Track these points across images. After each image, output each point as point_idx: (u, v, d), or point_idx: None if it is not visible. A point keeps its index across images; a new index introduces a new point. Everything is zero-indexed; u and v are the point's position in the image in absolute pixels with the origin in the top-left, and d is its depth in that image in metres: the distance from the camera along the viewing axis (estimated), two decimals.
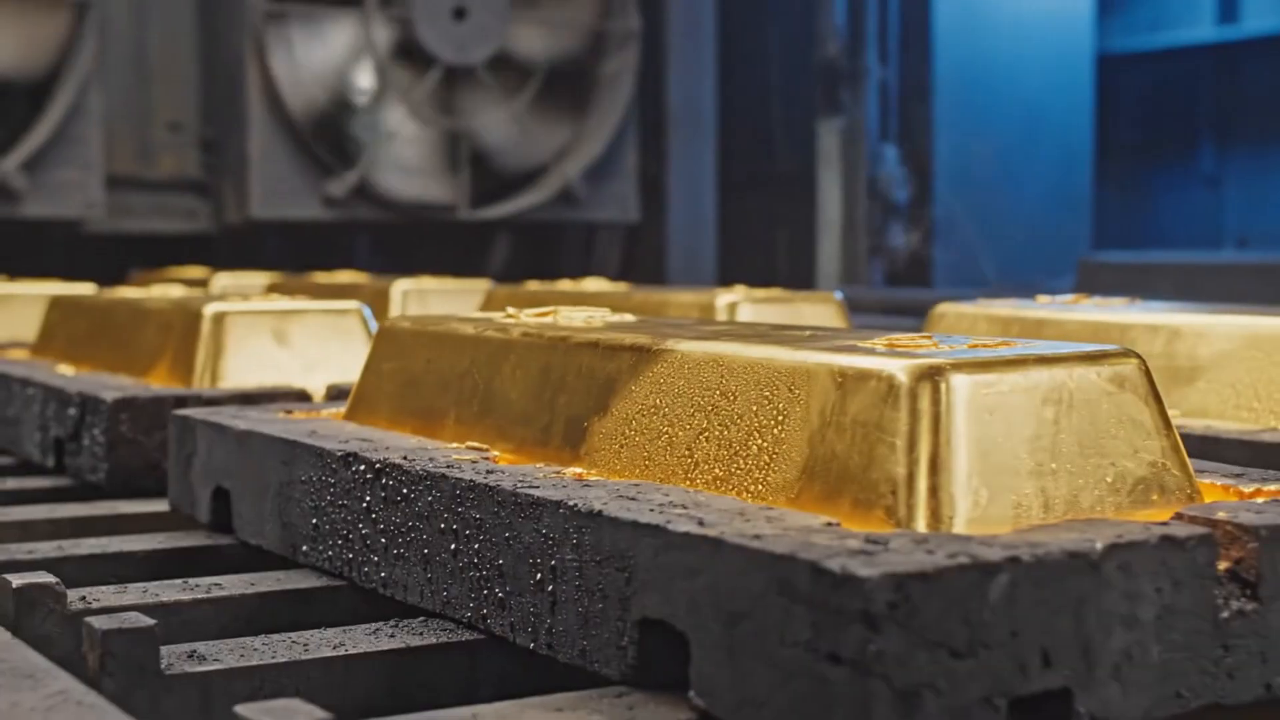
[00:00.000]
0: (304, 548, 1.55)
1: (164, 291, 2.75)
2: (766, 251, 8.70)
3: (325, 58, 6.70)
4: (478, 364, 1.60)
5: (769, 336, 1.36)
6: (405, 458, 1.43)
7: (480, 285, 3.51)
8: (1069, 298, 2.21)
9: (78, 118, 6.16)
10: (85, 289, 3.23)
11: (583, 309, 1.69)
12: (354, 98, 6.75)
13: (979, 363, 1.17)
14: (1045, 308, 2.14)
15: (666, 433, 1.33)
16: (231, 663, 1.23)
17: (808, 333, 1.41)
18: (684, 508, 1.15)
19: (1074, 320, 2.05)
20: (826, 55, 8.50)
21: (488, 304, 3.23)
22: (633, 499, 1.19)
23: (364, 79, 6.75)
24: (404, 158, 6.86)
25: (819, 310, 2.64)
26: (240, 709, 0.97)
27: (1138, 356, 1.25)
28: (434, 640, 1.30)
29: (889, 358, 1.18)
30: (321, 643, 1.29)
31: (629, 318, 1.68)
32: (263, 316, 2.27)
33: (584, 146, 7.25)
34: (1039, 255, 8.65)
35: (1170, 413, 1.87)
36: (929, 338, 1.28)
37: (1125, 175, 10.94)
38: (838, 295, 2.75)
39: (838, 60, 8.49)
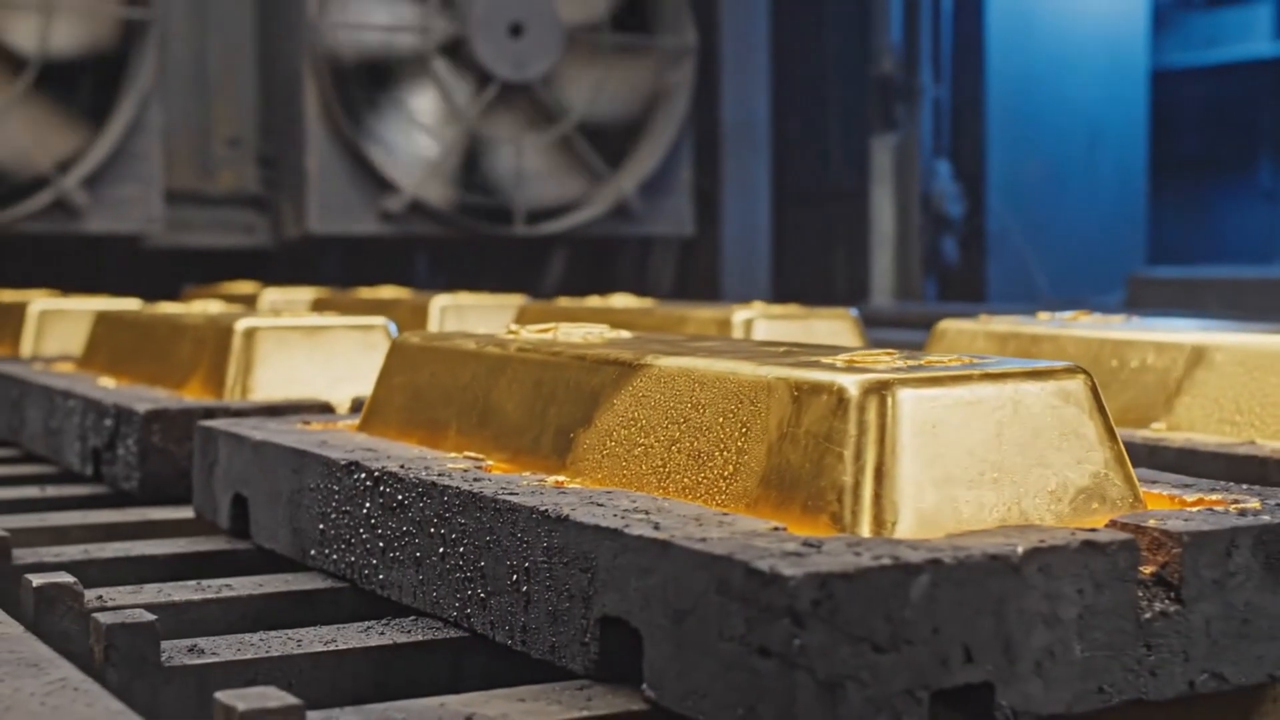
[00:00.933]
0: (312, 552, 1.63)
1: (204, 307, 2.84)
2: (821, 267, 8.76)
3: (382, 70, 6.80)
4: (478, 378, 1.68)
5: (742, 352, 1.43)
6: (402, 466, 1.51)
7: (515, 300, 3.59)
8: (1069, 315, 2.27)
9: (138, 134, 6.27)
10: (130, 304, 3.33)
11: (581, 325, 1.77)
12: (410, 112, 6.84)
13: (926, 379, 1.24)
14: (1044, 324, 2.20)
15: (643, 443, 1.40)
16: (227, 656, 1.31)
17: (782, 349, 1.48)
18: (645, 513, 1.23)
19: (1069, 336, 2.11)
20: (881, 72, 8.57)
21: (520, 319, 3.31)
22: (600, 505, 1.27)
23: (420, 94, 6.83)
24: (460, 173, 6.95)
25: (833, 326, 2.71)
26: (219, 695, 1.05)
27: (1084, 372, 1.31)
28: (420, 637, 1.38)
29: (843, 373, 1.25)
30: (315, 639, 1.37)
31: (624, 334, 1.76)
32: (292, 332, 2.36)
33: (639, 161, 7.31)
34: (1093, 269, 8.68)
35: (1155, 426, 1.94)
36: (890, 354, 1.35)
37: (1183, 190, 10.95)
38: (853, 312, 2.82)
39: (892, 77, 8.56)
